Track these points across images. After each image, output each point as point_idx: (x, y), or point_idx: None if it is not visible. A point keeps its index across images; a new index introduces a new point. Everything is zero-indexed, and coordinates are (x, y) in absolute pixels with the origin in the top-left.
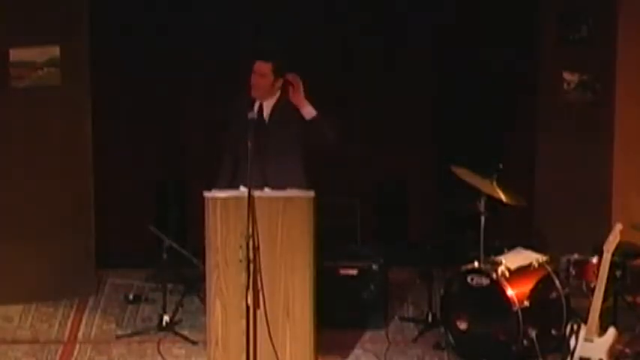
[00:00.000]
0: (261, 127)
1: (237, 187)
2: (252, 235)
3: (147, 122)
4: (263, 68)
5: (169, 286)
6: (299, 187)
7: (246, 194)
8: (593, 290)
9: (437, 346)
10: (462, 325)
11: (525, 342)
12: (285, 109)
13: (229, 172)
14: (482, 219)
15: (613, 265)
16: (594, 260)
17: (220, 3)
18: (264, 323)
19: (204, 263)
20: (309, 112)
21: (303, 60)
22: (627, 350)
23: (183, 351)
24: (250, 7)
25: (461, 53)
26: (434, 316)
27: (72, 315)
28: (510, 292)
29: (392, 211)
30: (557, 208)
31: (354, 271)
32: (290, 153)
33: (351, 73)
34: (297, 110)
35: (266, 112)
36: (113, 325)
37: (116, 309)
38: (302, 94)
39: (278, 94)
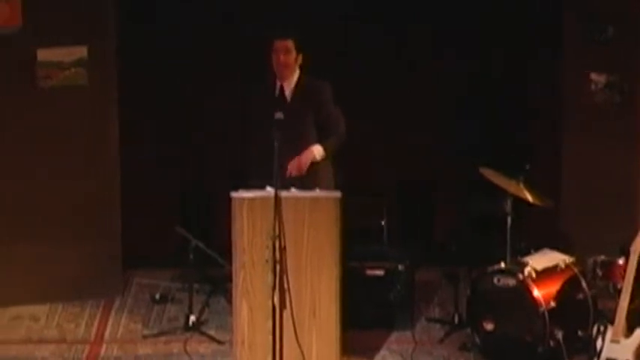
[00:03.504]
0: (282, 107)
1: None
2: (278, 236)
3: (174, 123)
4: (287, 45)
5: (196, 286)
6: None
7: (272, 194)
8: (619, 291)
9: (463, 347)
10: (489, 326)
11: (552, 343)
12: (306, 88)
13: (263, 154)
14: (509, 220)
15: None
16: (621, 261)
17: (246, 5)
18: (291, 323)
19: (230, 263)
20: (319, 155)
21: (326, 60)
22: None
23: (209, 351)
24: (275, 8)
25: (488, 54)
26: (460, 316)
27: (99, 315)
28: (537, 293)
29: (418, 212)
30: (583, 208)
31: (380, 272)
32: (311, 132)
33: (376, 73)
34: (317, 92)
35: (287, 92)
36: (140, 325)
37: (143, 309)
38: (303, 160)
39: (297, 72)
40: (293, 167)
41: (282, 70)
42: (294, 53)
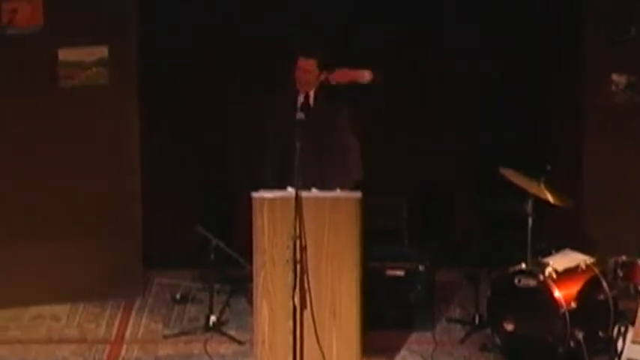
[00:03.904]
0: (308, 112)
1: (284, 177)
2: (299, 236)
3: (193, 122)
4: (308, 65)
5: (216, 286)
6: (349, 176)
7: (293, 195)
8: None
9: (484, 348)
10: (509, 327)
11: (572, 344)
12: (329, 100)
13: (276, 162)
14: (530, 220)
15: None
16: None
17: (266, 5)
18: (311, 324)
19: (250, 263)
20: (363, 77)
21: (350, 61)
22: None
23: (230, 351)
24: (294, 9)
25: (506, 54)
26: (481, 317)
27: (119, 315)
28: (557, 293)
29: (438, 212)
30: (604, 209)
31: (401, 272)
32: (338, 136)
33: (398, 74)
34: (335, 108)
35: (312, 98)
36: (160, 325)
37: (163, 309)
38: (347, 72)
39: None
40: (340, 73)
41: (301, 86)
42: (315, 72)
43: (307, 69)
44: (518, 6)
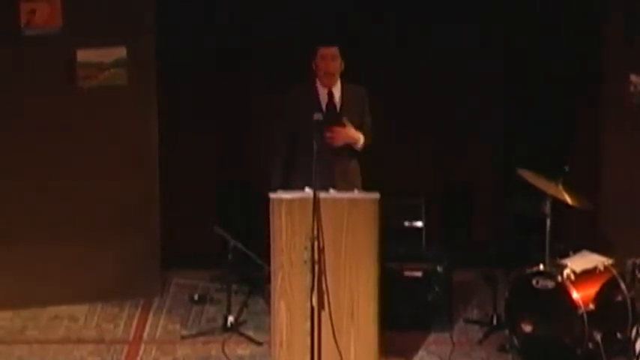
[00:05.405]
0: (333, 114)
1: (292, 182)
2: (317, 237)
3: (212, 122)
4: (334, 52)
5: (234, 286)
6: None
7: (311, 195)
8: None
9: (501, 349)
10: (527, 328)
11: (590, 345)
12: (353, 92)
13: (283, 166)
14: (548, 221)
15: None
16: None
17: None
18: (329, 325)
19: (269, 264)
20: (360, 143)
21: (370, 61)
22: None
23: (247, 352)
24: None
25: (526, 55)
26: (498, 318)
27: (137, 315)
28: (576, 295)
29: (457, 213)
30: (622, 210)
31: (418, 273)
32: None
33: (419, 73)
34: (360, 98)
35: (337, 97)
36: (178, 326)
37: (181, 309)
38: (346, 133)
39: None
40: (335, 133)
41: (329, 78)
42: (340, 59)
43: (334, 55)
44: (541, 6)
